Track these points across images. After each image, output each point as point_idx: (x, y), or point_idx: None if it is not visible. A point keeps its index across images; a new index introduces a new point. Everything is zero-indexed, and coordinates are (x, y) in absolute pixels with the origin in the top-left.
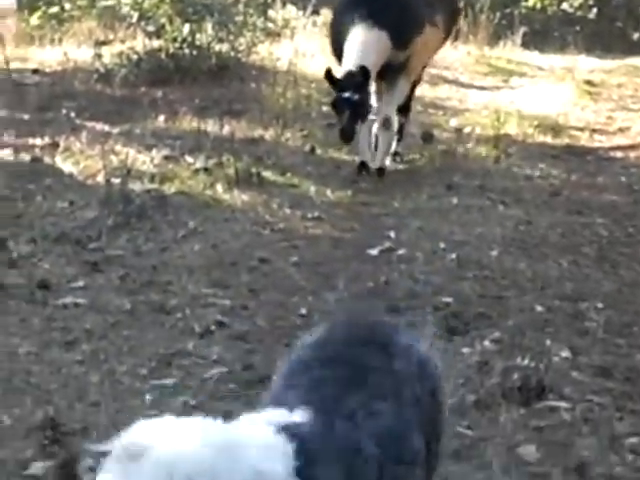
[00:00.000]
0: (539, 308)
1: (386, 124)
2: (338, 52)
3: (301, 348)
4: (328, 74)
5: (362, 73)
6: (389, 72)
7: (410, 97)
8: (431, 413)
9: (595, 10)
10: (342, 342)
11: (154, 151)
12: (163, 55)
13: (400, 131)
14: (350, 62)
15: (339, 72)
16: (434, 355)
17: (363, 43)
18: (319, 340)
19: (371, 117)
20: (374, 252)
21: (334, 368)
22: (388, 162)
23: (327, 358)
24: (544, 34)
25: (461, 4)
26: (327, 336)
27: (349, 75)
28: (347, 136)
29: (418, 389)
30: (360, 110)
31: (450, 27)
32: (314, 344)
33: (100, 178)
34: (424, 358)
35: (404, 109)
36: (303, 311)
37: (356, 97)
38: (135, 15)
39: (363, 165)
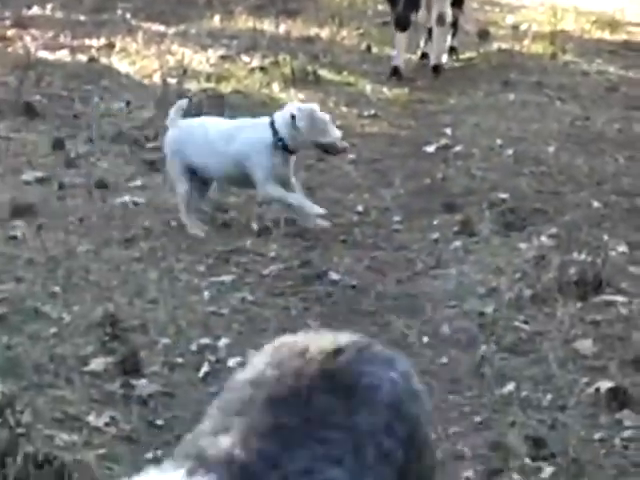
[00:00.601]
0: (596, 203)
1: (440, 20)
2: None
3: (238, 381)
4: None
5: None
6: None
7: None
8: (410, 466)
9: None
10: (290, 378)
11: (210, 51)
12: None
13: (454, 25)
14: None
15: None
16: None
17: None
18: (262, 372)
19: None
20: (430, 149)
21: (276, 413)
22: (445, 59)
23: (269, 399)
24: None
25: None
26: (272, 369)
27: None
28: (403, 23)
29: (387, 442)
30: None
31: None
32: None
33: (156, 78)
34: (400, 397)
35: (458, 2)
36: (360, 208)
37: None
38: None
39: (395, 70)
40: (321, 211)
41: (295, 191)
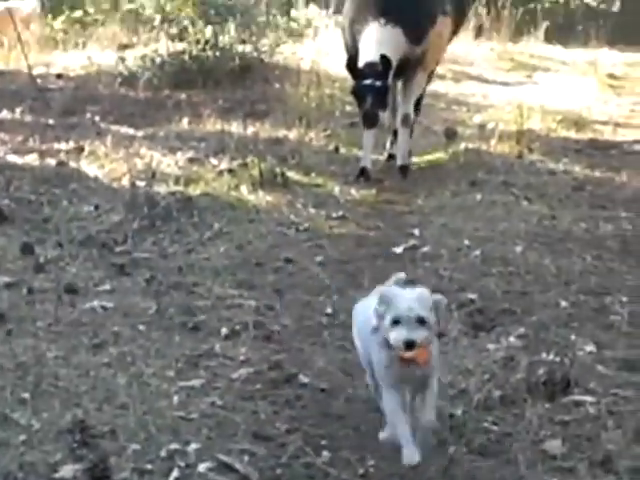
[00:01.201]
0: (563, 303)
1: (406, 121)
2: (352, 51)
3: None
4: (349, 64)
5: (383, 62)
6: (406, 67)
7: (422, 96)
8: None
9: (618, 3)
10: None
11: (179, 153)
12: (186, 57)
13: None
14: (370, 54)
15: (359, 63)
16: None
17: (378, 41)
18: None
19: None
20: (399, 250)
21: None
22: (413, 159)
23: None
24: (567, 28)
25: (482, 1)
26: None
27: (370, 64)
28: (371, 121)
29: None
30: (382, 97)
31: (460, 18)
32: None
33: (125, 181)
34: None
35: (417, 103)
36: (329, 310)
37: (378, 84)
38: (158, 18)
39: (363, 171)
40: (414, 461)
41: (425, 405)
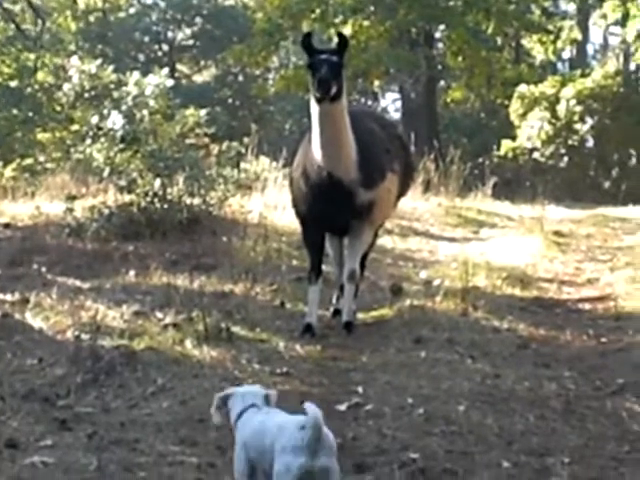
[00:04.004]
0: (505, 463)
1: (352, 277)
2: (300, 209)
3: None
4: (307, 38)
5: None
6: (354, 221)
7: (368, 252)
8: None
9: (566, 159)
10: None
11: (124, 307)
12: (134, 209)
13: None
14: None
15: None
16: None
17: None
18: None
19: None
20: (342, 407)
21: None
22: (359, 315)
23: None
24: (515, 183)
25: (431, 157)
26: None
27: None
28: (325, 86)
29: None
30: (338, 70)
31: (407, 180)
32: None
33: (70, 334)
34: None
35: (363, 259)
36: None
37: (334, 59)
38: (107, 170)
39: (309, 327)
40: None
41: None
